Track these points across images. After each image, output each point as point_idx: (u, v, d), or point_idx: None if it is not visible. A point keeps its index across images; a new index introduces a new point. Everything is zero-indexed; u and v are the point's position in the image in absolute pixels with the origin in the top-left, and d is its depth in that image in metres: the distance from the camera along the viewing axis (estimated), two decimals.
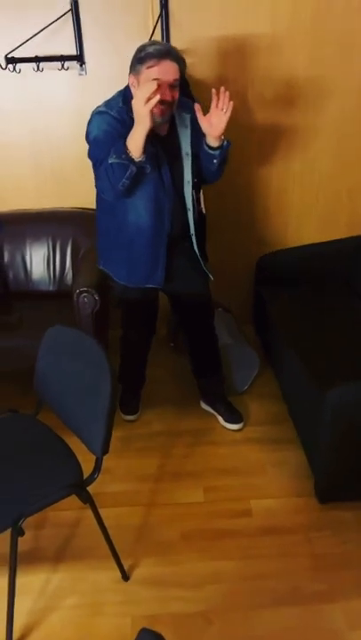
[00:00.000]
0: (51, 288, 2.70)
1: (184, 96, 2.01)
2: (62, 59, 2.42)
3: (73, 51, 2.45)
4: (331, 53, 2.53)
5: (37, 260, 2.69)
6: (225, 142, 1.94)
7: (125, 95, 1.90)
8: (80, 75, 2.52)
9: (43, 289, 2.70)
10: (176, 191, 2.00)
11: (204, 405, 2.50)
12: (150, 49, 1.80)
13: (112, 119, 1.86)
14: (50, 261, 2.69)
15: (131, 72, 1.86)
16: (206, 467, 2.19)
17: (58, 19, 2.36)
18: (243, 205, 2.82)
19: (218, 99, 1.83)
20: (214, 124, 1.86)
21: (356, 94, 2.62)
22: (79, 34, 2.43)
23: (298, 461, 2.17)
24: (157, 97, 1.70)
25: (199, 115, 1.87)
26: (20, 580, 1.61)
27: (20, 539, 1.49)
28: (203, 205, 2.28)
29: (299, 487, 2.07)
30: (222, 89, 1.83)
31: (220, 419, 2.41)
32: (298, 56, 2.53)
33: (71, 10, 2.37)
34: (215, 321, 2.36)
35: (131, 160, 1.77)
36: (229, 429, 2.38)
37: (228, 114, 1.83)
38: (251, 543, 1.87)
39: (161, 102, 1.76)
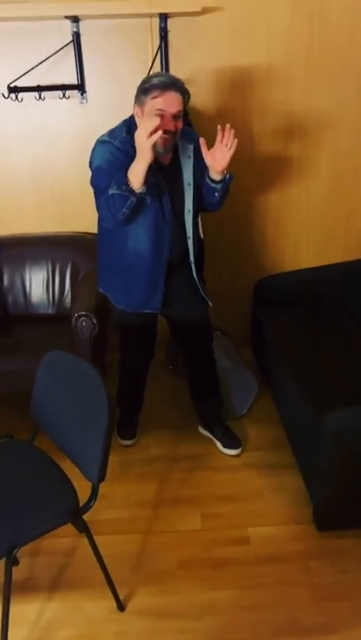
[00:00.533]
0: (50, 311, 2.71)
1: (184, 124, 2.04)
2: (64, 88, 2.47)
3: (74, 80, 2.51)
4: (325, 86, 2.59)
5: (37, 284, 2.70)
6: (227, 176, 1.97)
7: (129, 125, 1.93)
8: (81, 103, 2.56)
9: (42, 312, 2.71)
10: (176, 219, 2.02)
11: (202, 430, 2.49)
12: (155, 80, 1.83)
13: (115, 149, 1.89)
14: (49, 284, 2.70)
15: (135, 102, 1.89)
16: (204, 493, 2.17)
17: (60, 49, 2.42)
18: (241, 230, 2.85)
19: (223, 135, 1.86)
20: (218, 159, 1.88)
21: (350, 125, 2.67)
22: (80, 63, 2.49)
23: (296, 487, 2.15)
24: (160, 132, 1.73)
25: (203, 149, 1.89)
26: (14, 610, 1.58)
27: (14, 568, 1.46)
28: (201, 231, 2.31)
29: (297, 514, 2.05)
30: (228, 126, 1.86)
31: (219, 444, 2.39)
32: (294, 88, 2.58)
33: (73, 41, 2.43)
34: (214, 344, 2.37)
35: (131, 191, 1.79)
36: (227, 455, 2.36)
37: (233, 150, 1.86)
38: (249, 572, 1.84)
39: (164, 132, 1.78)
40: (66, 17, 2.35)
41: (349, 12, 2.45)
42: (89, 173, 1.96)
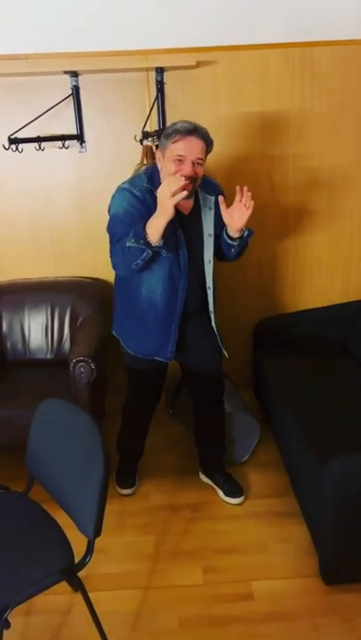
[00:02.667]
0: (48, 356, 2.70)
1: None
2: (63, 138, 2.54)
3: (73, 130, 2.58)
4: (318, 132, 2.65)
5: (36, 329, 2.70)
6: (245, 233, 1.97)
7: (151, 174, 1.95)
8: (80, 152, 2.63)
9: (40, 357, 2.69)
10: (194, 270, 2.01)
11: (203, 477, 2.42)
12: (178, 125, 1.86)
13: (133, 198, 1.90)
14: (48, 329, 2.70)
15: (158, 147, 1.94)
16: (206, 545, 2.09)
17: (60, 102, 2.49)
18: (239, 274, 2.85)
19: (241, 195, 1.87)
20: (236, 217, 1.89)
21: (345, 170, 2.72)
22: (79, 115, 2.56)
23: (301, 538, 2.07)
24: (184, 193, 1.73)
25: (222, 207, 1.90)
26: None
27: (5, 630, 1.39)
28: None
29: (303, 567, 1.97)
30: (245, 188, 1.87)
31: (220, 492, 2.32)
32: (287, 136, 2.65)
33: (72, 94, 2.51)
34: None
35: (148, 244, 1.80)
36: (229, 503, 2.29)
37: (250, 211, 1.87)
38: (253, 631, 1.75)
39: (185, 178, 1.79)
40: (65, 72, 2.44)
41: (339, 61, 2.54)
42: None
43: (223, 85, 2.55)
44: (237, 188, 1.89)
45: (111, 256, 1.94)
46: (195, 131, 1.85)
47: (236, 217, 1.89)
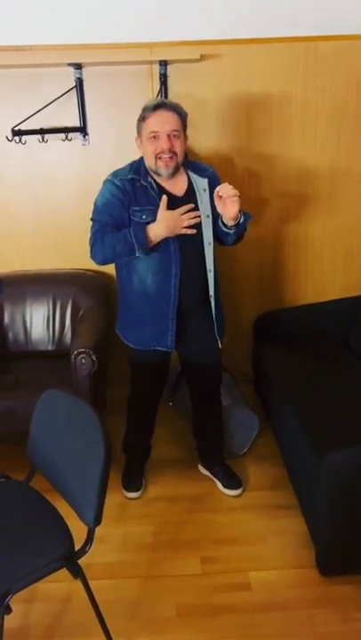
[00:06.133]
0: (50, 348, 2.71)
1: None
2: (66, 130, 2.54)
3: (76, 122, 2.58)
4: (321, 127, 2.65)
5: (37, 320, 2.71)
6: (241, 219, 1.96)
7: (138, 165, 1.98)
8: (83, 145, 2.63)
9: (42, 349, 2.71)
10: (193, 254, 1.99)
11: (202, 469, 2.44)
12: (146, 103, 1.91)
13: (115, 187, 1.95)
14: (50, 321, 2.71)
15: (136, 135, 1.96)
16: (204, 535, 2.11)
17: (63, 94, 2.49)
18: (239, 268, 2.86)
19: (220, 197, 1.88)
20: (228, 206, 1.89)
21: (346, 164, 2.72)
22: (83, 107, 2.56)
23: (299, 530, 2.10)
24: (193, 230, 1.91)
25: (216, 199, 1.90)
26: None
27: (6, 616, 1.42)
28: None
29: (300, 558, 1.99)
30: (226, 183, 1.87)
31: (219, 484, 2.35)
32: (290, 131, 2.65)
33: (76, 86, 2.51)
34: None
35: (142, 251, 1.89)
36: (228, 495, 2.31)
37: (238, 199, 1.87)
38: (250, 620, 1.77)
39: (163, 152, 1.85)
40: (69, 64, 2.44)
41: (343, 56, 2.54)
42: (90, 212, 2.03)
43: (227, 79, 2.54)
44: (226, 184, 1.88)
45: (90, 243, 1.99)
46: (162, 105, 1.88)
47: (229, 205, 1.88)
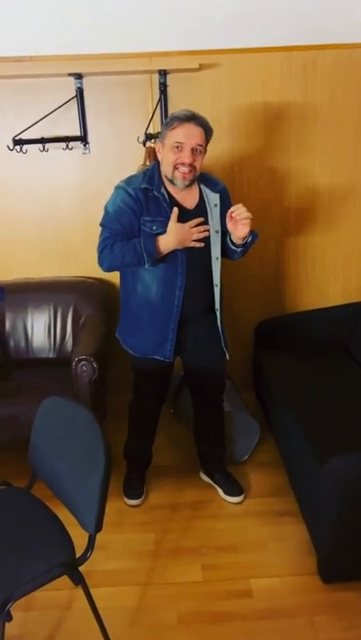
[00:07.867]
0: (51, 355, 2.72)
1: None
2: (67, 139, 2.56)
3: (77, 131, 2.60)
4: (321, 136, 2.67)
5: (39, 328, 2.72)
6: (249, 238, 1.98)
7: (152, 174, 1.97)
8: (83, 153, 2.65)
9: (43, 356, 2.72)
10: (200, 267, 2.01)
11: (203, 476, 2.44)
12: (177, 113, 1.89)
13: (127, 196, 1.94)
14: (51, 329, 2.72)
15: (158, 139, 1.96)
16: (205, 543, 2.11)
17: (64, 104, 2.52)
18: (240, 275, 2.87)
19: (231, 218, 1.90)
20: (239, 227, 1.90)
21: (346, 169, 2.74)
22: (83, 116, 2.59)
23: (300, 536, 2.09)
24: (202, 244, 1.91)
25: (228, 218, 1.91)
26: None
27: (7, 623, 1.42)
28: None
29: (301, 565, 1.98)
30: (240, 205, 1.89)
31: (220, 491, 2.34)
32: (289, 139, 2.67)
33: (76, 96, 2.53)
34: None
35: (152, 262, 1.89)
36: (229, 502, 2.31)
37: (250, 222, 1.89)
38: (251, 627, 1.76)
39: (183, 165, 1.86)
40: (69, 74, 2.47)
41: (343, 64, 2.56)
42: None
43: (226, 88, 2.57)
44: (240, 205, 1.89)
45: (99, 249, 1.98)
46: (193, 118, 1.87)
47: (240, 226, 1.90)
